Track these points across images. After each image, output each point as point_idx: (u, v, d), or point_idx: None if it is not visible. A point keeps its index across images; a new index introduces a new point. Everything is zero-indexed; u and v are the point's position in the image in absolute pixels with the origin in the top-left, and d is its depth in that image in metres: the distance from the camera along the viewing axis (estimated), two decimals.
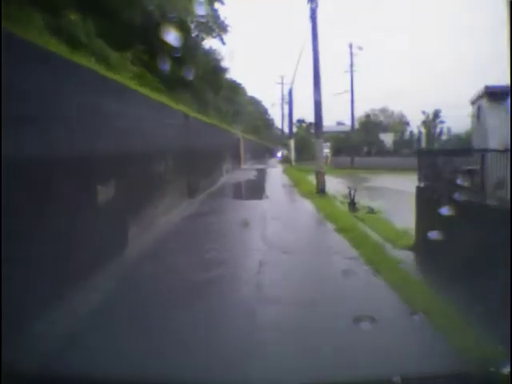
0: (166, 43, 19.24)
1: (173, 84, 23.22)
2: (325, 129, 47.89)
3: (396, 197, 18.38)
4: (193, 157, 14.05)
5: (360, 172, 30.01)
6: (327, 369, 3.28)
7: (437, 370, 2.94)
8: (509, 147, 4.80)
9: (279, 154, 59.50)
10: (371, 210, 12.76)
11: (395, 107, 48.05)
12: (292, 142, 30.47)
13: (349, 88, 33.99)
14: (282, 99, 45.66)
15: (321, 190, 13.51)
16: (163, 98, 13.36)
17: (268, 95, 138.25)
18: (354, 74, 33.57)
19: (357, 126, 43.47)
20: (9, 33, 3.88)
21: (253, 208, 11.13)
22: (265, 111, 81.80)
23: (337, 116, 71.23)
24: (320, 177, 13.64)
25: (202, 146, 16.56)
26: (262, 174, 27.46)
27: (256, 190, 16.54)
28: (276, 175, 26.13)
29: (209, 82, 31.79)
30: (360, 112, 42.30)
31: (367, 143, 37.06)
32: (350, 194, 12.95)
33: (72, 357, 3.38)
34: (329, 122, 57.32)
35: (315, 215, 10.27)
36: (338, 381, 2.96)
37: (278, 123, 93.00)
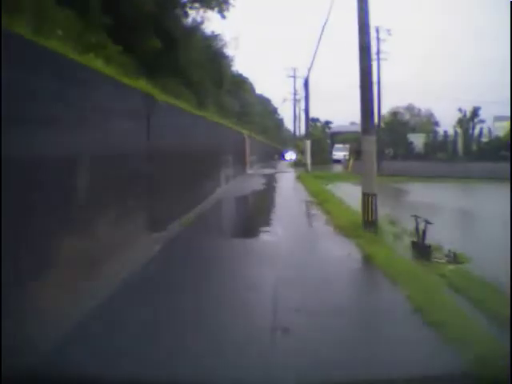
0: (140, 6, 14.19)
1: (157, 68, 18.28)
2: (340, 128, 42.44)
3: (465, 223, 13.13)
4: (164, 162, 8.95)
5: (391, 181, 24.69)
6: None
7: (437, 370, 2.80)
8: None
9: (288, 157, 54.34)
10: (453, 258, 7.52)
11: (422, 104, 42.61)
12: (308, 143, 25.16)
13: (374, 79, 28.65)
14: (295, 94, 40.49)
15: (370, 222, 8.06)
16: (141, 83, 8.40)
17: (277, 94, 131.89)
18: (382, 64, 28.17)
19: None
20: None
21: (257, 263, 6.04)
22: (274, 110, 76.91)
23: (343, 113, 65.93)
24: (370, 201, 8.11)
25: (186, 145, 11.49)
26: (271, 181, 22.24)
27: (264, 213, 11.18)
28: (290, 184, 20.91)
29: (208, 71, 26.79)
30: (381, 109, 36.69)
31: (393, 145, 31.69)
32: (416, 230, 7.64)
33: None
34: (341, 121, 51.81)
35: (396, 306, 4.45)
36: (338, 381, 2.78)
37: (287, 124, 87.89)
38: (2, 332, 3.03)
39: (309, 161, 24.58)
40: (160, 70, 18.42)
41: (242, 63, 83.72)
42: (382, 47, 28.26)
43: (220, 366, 3.13)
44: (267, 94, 73.84)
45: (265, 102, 69.79)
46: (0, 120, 3.39)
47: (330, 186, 20.19)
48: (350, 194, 17.79)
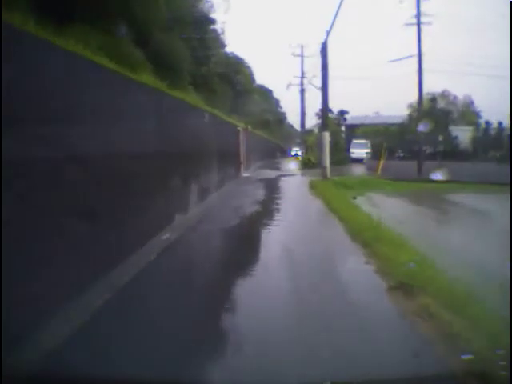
0: None
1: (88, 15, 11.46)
2: (356, 120, 35.39)
3: None
4: None
5: (440, 189, 17.33)
6: None
7: (437, 370, 2.80)
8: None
9: (294, 153, 47.14)
10: None
11: (458, 91, 35.03)
12: (327, 137, 17.33)
13: (409, 51, 21.20)
14: (302, 76, 33.11)
15: None
16: None
17: (280, 86, 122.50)
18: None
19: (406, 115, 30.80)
20: None
21: None
22: (276, 103, 69.36)
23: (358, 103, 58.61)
24: None
25: (88, 141, 4.39)
26: (273, 196, 14.91)
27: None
28: (304, 202, 13.47)
29: (186, 39, 19.58)
30: (406, 96, 29.23)
31: (431, 140, 24.35)
32: None
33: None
34: (357, 112, 44.31)
35: None
36: (338, 381, 2.74)
37: (291, 118, 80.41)
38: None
39: (328, 162, 17.14)
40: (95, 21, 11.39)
41: (238, 46, 75.63)
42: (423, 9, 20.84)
43: None
44: (269, 87, 66.33)
45: (266, 94, 62.31)
46: None
47: (363, 201, 13.03)
48: (409, 221, 10.65)
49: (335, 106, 38.14)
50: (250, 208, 11.14)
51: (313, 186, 15.95)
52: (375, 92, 78.29)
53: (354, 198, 14.17)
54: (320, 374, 3.00)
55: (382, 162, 20.75)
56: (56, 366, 2.95)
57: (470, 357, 2.94)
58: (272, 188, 16.79)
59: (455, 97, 32.40)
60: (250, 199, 12.76)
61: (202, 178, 12.53)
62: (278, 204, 12.51)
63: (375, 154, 26.32)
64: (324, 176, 16.79)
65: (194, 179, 11.53)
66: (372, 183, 18.80)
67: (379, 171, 20.60)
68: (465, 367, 2.81)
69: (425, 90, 27.93)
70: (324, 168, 16.84)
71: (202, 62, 21.92)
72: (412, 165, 21.60)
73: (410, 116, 26.75)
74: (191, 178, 11.20)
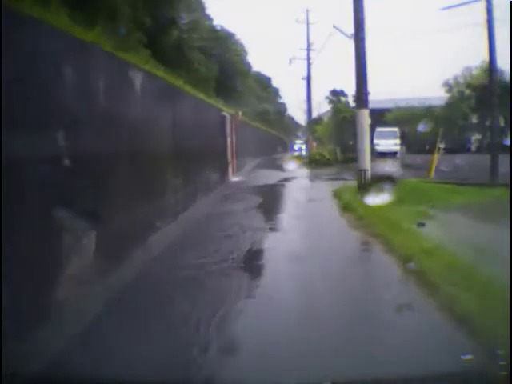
0: None
1: None
2: (377, 104, 28.33)
3: None
4: None
5: None
6: None
7: (437, 370, 2.71)
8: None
9: (297, 147, 40.35)
10: None
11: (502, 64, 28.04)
12: (367, 117, 9.98)
13: None
14: (308, 49, 26.27)
15: None
16: None
17: (279, 74, 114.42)
18: None
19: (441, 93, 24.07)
20: None
21: None
22: (275, 91, 62.40)
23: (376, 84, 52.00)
24: None
25: None
26: (276, 234, 8.00)
27: None
28: (357, 277, 6.22)
29: None
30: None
31: (482, 126, 17.55)
32: None
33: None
34: (378, 94, 37.47)
35: None
36: (338, 381, 2.66)
37: (291, 111, 73.53)
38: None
39: (368, 161, 10.04)
40: None
41: (237, 30, 68.37)
42: None
43: None
44: (268, 75, 59.40)
45: (264, 81, 55.44)
46: None
47: (443, 234, 6.35)
48: None
49: (348, 87, 31.36)
50: (221, 301, 4.26)
51: (344, 205, 9.16)
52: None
53: (422, 225, 7.63)
54: None
55: (436, 159, 14.01)
56: (58, 367, 2.88)
57: (469, 357, 2.86)
58: (273, 209, 9.96)
59: (502, 72, 25.69)
60: (227, 251, 5.94)
61: (134, 205, 5.82)
62: (287, 279, 5.52)
63: (410, 147, 19.63)
64: (362, 183, 9.86)
65: (109, 213, 4.83)
66: (428, 191, 12.02)
67: (433, 172, 13.84)
68: (465, 367, 2.72)
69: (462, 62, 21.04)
70: (363, 172, 9.81)
71: (166, 20, 15.19)
72: (469, 160, 14.95)
73: (460, 93, 20.04)
74: (97, 211, 4.49)
